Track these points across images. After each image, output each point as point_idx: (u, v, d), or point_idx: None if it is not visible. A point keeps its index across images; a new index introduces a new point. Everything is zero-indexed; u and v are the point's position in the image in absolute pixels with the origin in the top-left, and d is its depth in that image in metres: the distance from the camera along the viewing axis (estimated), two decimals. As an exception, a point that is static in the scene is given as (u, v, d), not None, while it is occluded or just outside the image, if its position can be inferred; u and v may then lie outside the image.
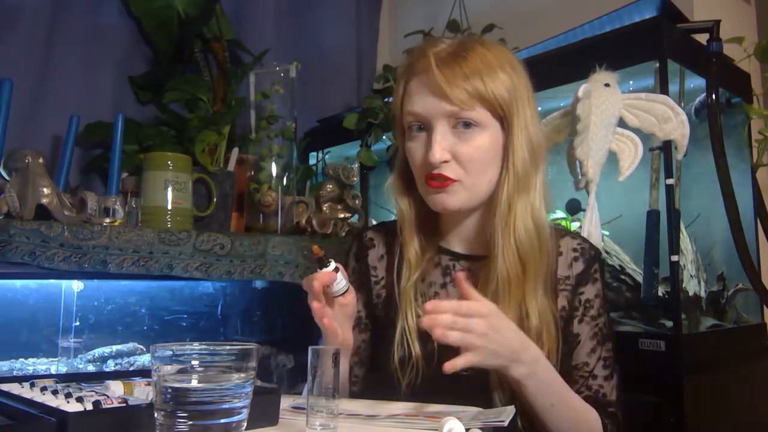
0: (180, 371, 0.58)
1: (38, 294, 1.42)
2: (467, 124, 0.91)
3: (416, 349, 0.94)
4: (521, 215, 0.93)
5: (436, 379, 0.93)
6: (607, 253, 1.38)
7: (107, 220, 1.28)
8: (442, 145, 0.91)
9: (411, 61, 0.96)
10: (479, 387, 0.93)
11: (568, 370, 0.96)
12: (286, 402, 0.84)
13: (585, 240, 1.04)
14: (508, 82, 0.92)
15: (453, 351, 0.96)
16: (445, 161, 0.91)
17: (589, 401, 0.94)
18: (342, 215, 1.58)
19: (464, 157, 0.91)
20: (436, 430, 0.70)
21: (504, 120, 0.93)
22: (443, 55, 0.92)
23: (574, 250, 1.01)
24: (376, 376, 0.98)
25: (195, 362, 0.59)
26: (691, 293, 1.33)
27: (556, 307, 0.97)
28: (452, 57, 0.92)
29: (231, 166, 1.62)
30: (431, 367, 0.93)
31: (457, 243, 1.02)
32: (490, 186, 0.95)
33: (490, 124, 0.92)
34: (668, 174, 1.22)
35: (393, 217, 1.09)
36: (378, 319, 1.03)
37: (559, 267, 0.99)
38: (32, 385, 0.79)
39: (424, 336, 0.95)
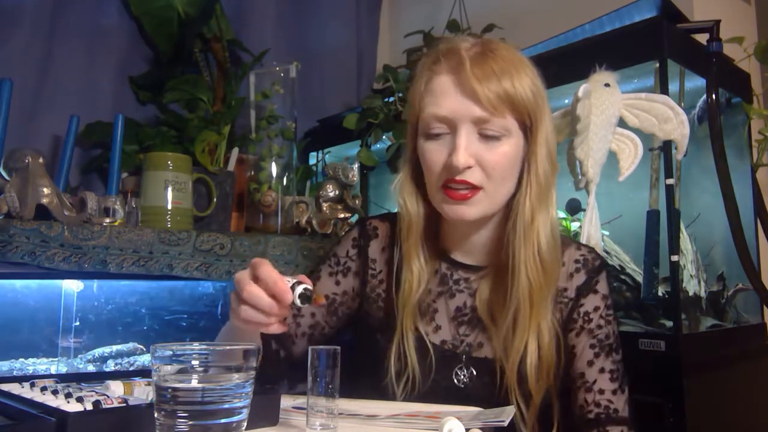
0: (180, 371, 0.58)
1: (38, 294, 1.42)
2: (494, 131, 0.87)
3: (413, 361, 0.91)
4: (543, 227, 0.90)
5: (433, 392, 0.92)
6: (607, 253, 1.38)
7: (107, 220, 1.28)
8: (469, 150, 0.86)
9: (437, 57, 0.91)
10: (476, 399, 0.91)
11: (569, 386, 0.94)
12: (286, 402, 0.84)
13: (590, 250, 1.01)
14: (533, 86, 0.89)
15: (449, 364, 0.94)
16: (469, 167, 0.86)
17: (602, 420, 0.90)
18: (342, 215, 1.58)
19: (489, 164, 0.87)
20: (436, 430, 0.70)
21: (528, 129, 0.90)
22: (473, 53, 0.88)
23: (576, 261, 0.98)
24: (371, 385, 0.95)
25: (195, 362, 0.58)
26: (691, 293, 1.33)
27: (555, 320, 0.94)
28: (482, 56, 0.88)
29: (231, 166, 1.62)
30: (428, 382, 0.92)
31: (457, 251, 0.99)
32: (508, 196, 0.92)
33: (515, 133, 0.89)
34: (668, 174, 1.22)
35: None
36: (370, 315, 0.99)
37: (559, 278, 0.96)
38: (32, 385, 0.79)
39: (422, 349, 0.93)
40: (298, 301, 0.72)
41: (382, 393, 0.93)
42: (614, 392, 0.92)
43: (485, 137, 0.87)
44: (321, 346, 0.71)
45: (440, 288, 0.97)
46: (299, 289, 0.72)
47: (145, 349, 1.52)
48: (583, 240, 1.17)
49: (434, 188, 0.90)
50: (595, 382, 0.92)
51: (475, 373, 0.93)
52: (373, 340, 0.98)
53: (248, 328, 0.76)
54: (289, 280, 0.73)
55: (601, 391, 0.92)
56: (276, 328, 0.74)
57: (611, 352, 0.94)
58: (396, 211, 1.00)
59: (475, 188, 0.87)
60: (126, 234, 1.24)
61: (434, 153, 0.89)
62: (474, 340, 0.95)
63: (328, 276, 1.02)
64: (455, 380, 0.93)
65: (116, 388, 0.79)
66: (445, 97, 0.88)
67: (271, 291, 0.71)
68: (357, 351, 1.01)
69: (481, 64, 0.86)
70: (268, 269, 0.71)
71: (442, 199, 0.90)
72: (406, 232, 0.95)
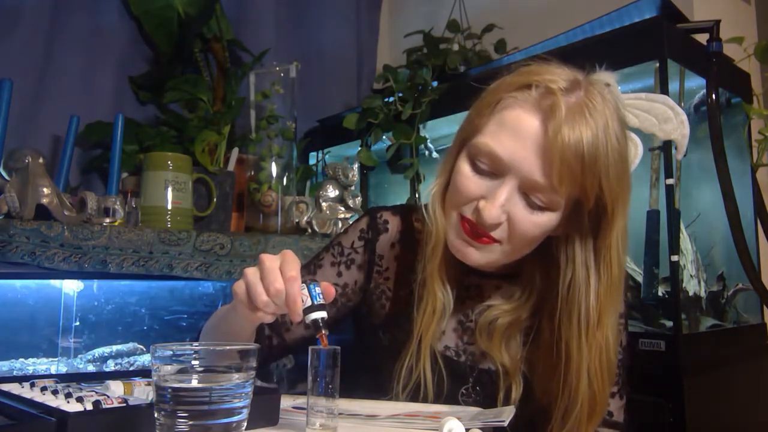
0: (180, 371, 0.58)
1: (38, 294, 1.42)
2: (542, 203, 0.78)
3: (428, 380, 0.88)
4: (612, 328, 0.81)
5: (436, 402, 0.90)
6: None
7: (107, 220, 1.28)
8: (505, 206, 0.78)
9: (527, 83, 0.79)
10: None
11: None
12: (286, 402, 0.84)
13: None
14: (619, 166, 0.77)
15: (456, 383, 0.91)
16: (498, 224, 0.79)
17: None
18: (342, 215, 1.58)
19: (518, 227, 0.79)
20: (436, 430, 0.70)
21: (591, 211, 0.80)
22: (572, 104, 0.75)
23: None
24: (367, 385, 0.93)
25: (195, 362, 0.59)
26: (691, 293, 1.33)
27: None
28: (578, 112, 0.75)
29: (231, 166, 1.62)
30: (442, 398, 0.90)
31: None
32: (521, 256, 0.85)
33: (561, 207, 0.79)
34: (668, 174, 1.22)
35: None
36: (373, 312, 0.96)
37: None
38: (32, 385, 0.79)
39: (433, 362, 0.89)
40: (306, 321, 0.71)
41: (380, 391, 0.92)
42: (612, 395, 0.90)
43: (529, 202, 0.79)
44: (321, 346, 0.70)
45: (461, 293, 0.93)
46: (313, 316, 0.70)
47: (145, 349, 1.53)
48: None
49: (453, 214, 0.83)
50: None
51: (479, 389, 0.91)
52: (375, 337, 0.96)
53: (254, 318, 0.73)
54: (305, 295, 0.71)
55: None
56: (270, 318, 0.73)
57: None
58: (406, 203, 0.95)
59: (493, 240, 0.81)
60: (126, 234, 1.24)
61: (468, 182, 0.80)
62: (477, 349, 0.93)
63: (330, 266, 0.97)
64: (460, 399, 0.91)
65: (116, 388, 0.78)
66: (512, 136, 0.77)
67: (286, 304, 0.69)
68: (355, 344, 1.00)
69: (572, 124, 0.74)
70: (294, 283, 0.68)
71: (455, 230, 0.83)
72: (431, 251, 0.86)
